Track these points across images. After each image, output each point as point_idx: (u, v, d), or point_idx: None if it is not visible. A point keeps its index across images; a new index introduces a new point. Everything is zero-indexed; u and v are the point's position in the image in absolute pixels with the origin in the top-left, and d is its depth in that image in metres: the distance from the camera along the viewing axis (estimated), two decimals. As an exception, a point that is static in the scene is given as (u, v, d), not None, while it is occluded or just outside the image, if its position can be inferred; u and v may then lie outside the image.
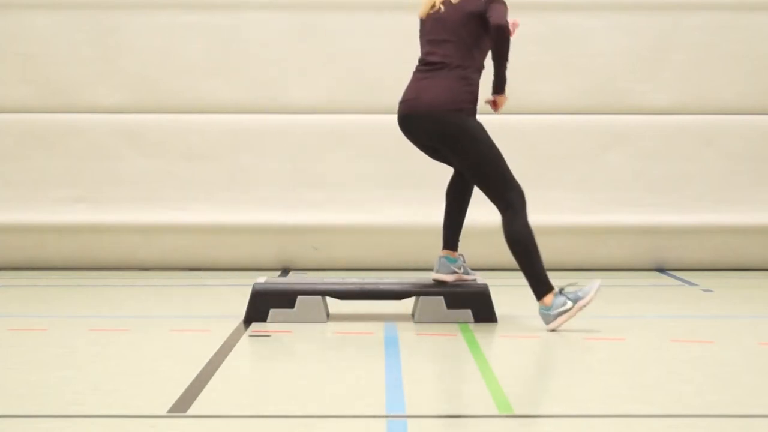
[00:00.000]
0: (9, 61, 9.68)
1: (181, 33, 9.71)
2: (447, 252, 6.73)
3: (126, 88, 9.69)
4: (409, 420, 4.30)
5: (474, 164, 6.46)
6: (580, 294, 6.32)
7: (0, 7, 9.70)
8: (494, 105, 6.66)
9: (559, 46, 9.75)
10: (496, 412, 4.44)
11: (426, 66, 6.54)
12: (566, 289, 6.34)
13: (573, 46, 9.73)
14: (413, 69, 6.70)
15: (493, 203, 6.54)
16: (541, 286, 6.34)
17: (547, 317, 6.29)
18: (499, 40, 6.42)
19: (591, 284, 6.37)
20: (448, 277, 6.69)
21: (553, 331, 6.27)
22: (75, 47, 9.67)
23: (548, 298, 6.30)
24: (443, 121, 6.42)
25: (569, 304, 6.28)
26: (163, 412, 4.39)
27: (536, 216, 9.83)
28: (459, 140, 6.43)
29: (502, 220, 6.49)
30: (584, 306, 6.30)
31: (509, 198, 6.44)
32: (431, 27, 6.54)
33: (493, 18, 6.39)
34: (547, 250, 9.78)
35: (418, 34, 6.72)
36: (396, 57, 9.74)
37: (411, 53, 9.72)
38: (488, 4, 6.44)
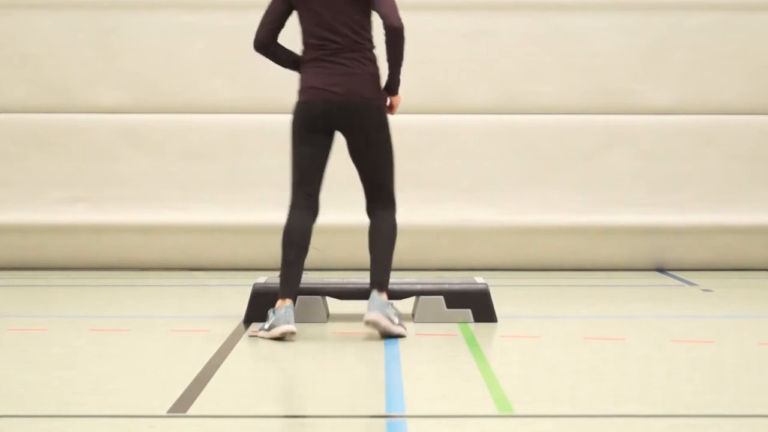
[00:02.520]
0: (9, 61, 9.68)
1: (181, 33, 9.71)
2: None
3: (126, 88, 9.69)
4: (409, 420, 4.30)
5: (379, 154, 6.65)
6: (401, 322, 6.09)
7: (0, 7, 9.70)
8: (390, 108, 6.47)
9: (559, 46, 9.75)
10: (496, 412, 4.44)
11: (334, 51, 6.25)
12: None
13: (573, 46, 9.73)
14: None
15: (378, 199, 6.66)
16: (387, 280, 6.30)
17: (383, 308, 6.09)
18: (395, 42, 6.22)
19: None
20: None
21: (373, 323, 6.04)
22: (75, 47, 9.67)
23: (386, 296, 6.18)
24: (365, 110, 6.39)
25: (396, 320, 6.07)
26: (163, 412, 4.39)
27: (536, 216, 9.91)
28: (372, 128, 6.49)
29: (383, 216, 6.65)
30: (400, 335, 6.06)
31: (394, 196, 6.72)
32: (324, 5, 6.21)
33: (390, 18, 6.19)
34: (547, 250, 9.86)
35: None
36: (396, 57, 9.74)
37: (410, 53, 9.74)
38: None
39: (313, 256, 9.71)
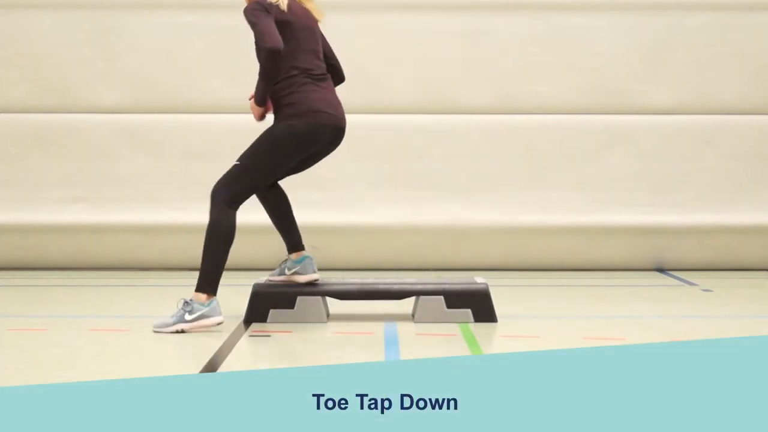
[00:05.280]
0: (9, 61, 9.69)
1: (181, 33, 9.72)
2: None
3: (126, 88, 9.70)
4: (409, 420, 4.30)
5: None
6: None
7: (0, 7, 9.70)
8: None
9: (559, 46, 9.76)
10: (496, 412, 4.44)
11: (323, 77, 6.56)
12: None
13: (573, 46, 9.74)
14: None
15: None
16: None
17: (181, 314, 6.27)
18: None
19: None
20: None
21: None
22: (75, 47, 9.68)
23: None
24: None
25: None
26: (163, 412, 4.39)
27: (536, 216, 9.91)
28: None
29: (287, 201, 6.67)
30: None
31: None
32: (314, 36, 6.61)
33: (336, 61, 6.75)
34: (547, 250, 9.86)
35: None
36: (396, 57, 9.75)
37: (410, 53, 9.78)
38: None
39: (313, 256, 9.76)
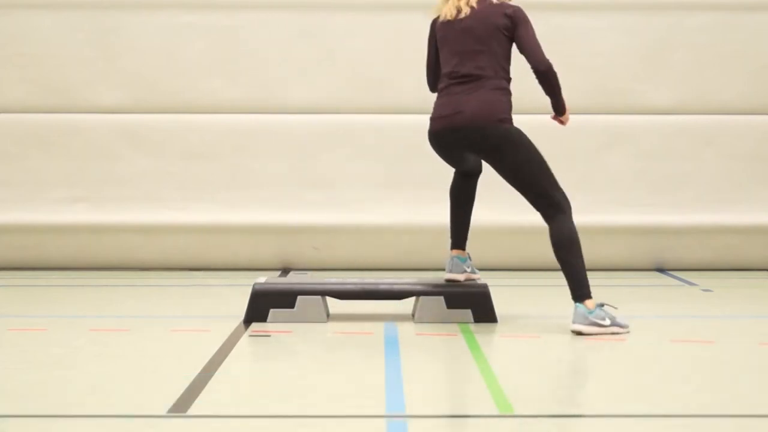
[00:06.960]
0: (9, 61, 9.68)
1: (181, 33, 9.72)
2: (458, 252, 6.76)
3: (126, 88, 9.69)
4: (409, 420, 4.30)
5: (518, 172, 6.54)
6: (618, 321, 6.25)
7: (0, 7, 9.70)
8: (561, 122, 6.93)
9: (559, 46, 9.74)
10: (496, 412, 4.44)
11: (463, 79, 6.52)
12: (605, 307, 6.31)
13: (573, 46, 9.73)
14: (424, 75, 6.75)
15: (540, 210, 6.55)
16: (583, 289, 6.28)
17: (585, 318, 6.18)
18: (546, 81, 6.80)
19: (624, 320, 6.31)
20: (460, 276, 6.74)
21: (578, 333, 6.17)
22: (75, 47, 9.67)
23: (591, 303, 6.23)
24: (486, 133, 6.53)
25: (607, 321, 6.22)
26: (163, 412, 4.39)
27: (536, 216, 9.87)
28: (501, 150, 6.56)
29: (550, 225, 6.50)
30: (616, 333, 6.21)
31: (557, 200, 6.46)
32: (458, 35, 6.50)
33: (533, 59, 6.73)
34: (547, 250, 9.81)
35: (420, 34, 6.73)
36: (396, 57, 9.75)
37: (411, 53, 9.77)
38: (515, 25, 6.65)
39: (313, 256, 9.77)
